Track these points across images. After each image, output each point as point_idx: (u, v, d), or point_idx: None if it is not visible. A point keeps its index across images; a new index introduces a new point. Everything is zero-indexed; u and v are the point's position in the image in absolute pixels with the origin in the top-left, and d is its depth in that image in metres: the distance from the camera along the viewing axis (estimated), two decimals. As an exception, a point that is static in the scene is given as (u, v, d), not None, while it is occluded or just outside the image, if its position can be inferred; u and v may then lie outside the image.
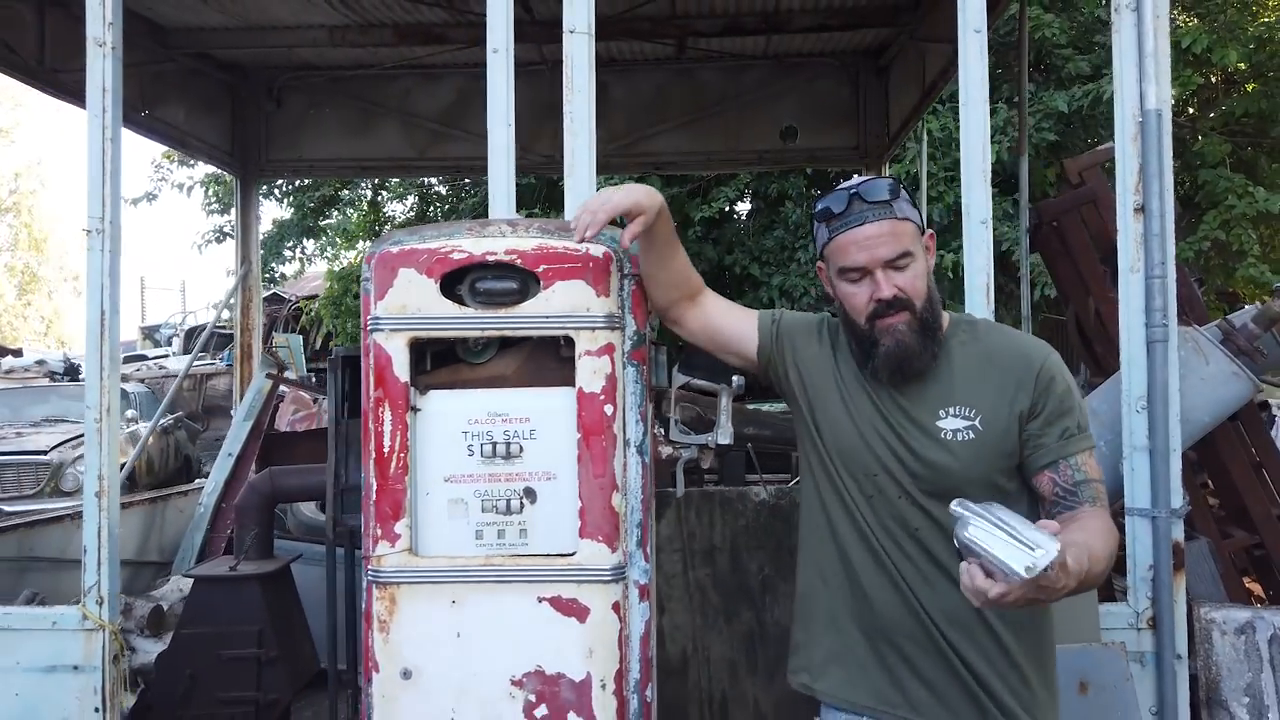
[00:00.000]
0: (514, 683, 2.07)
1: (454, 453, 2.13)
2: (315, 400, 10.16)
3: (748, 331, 2.05)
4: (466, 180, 13.49)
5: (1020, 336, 1.98)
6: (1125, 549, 2.87)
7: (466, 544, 2.11)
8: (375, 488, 2.10)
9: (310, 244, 15.13)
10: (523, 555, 2.10)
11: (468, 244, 2.10)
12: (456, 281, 2.12)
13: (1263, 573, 3.78)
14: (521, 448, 2.12)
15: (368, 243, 15.35)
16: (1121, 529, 2.88)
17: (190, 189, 13.04)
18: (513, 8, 2.92)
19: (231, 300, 7.45)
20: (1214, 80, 11.38)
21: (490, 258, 2.09)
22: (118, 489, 2.93)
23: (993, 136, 3.60)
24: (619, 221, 1.97)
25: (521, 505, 2.12)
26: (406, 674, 2.08)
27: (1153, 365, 2.81)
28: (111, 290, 2.87)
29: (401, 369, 2.10)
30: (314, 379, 12.42)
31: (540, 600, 2.07)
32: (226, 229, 13.22)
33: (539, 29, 5.52)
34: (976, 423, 1.79)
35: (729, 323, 2.08)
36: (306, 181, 13.30)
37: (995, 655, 1.77)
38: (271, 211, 16.60)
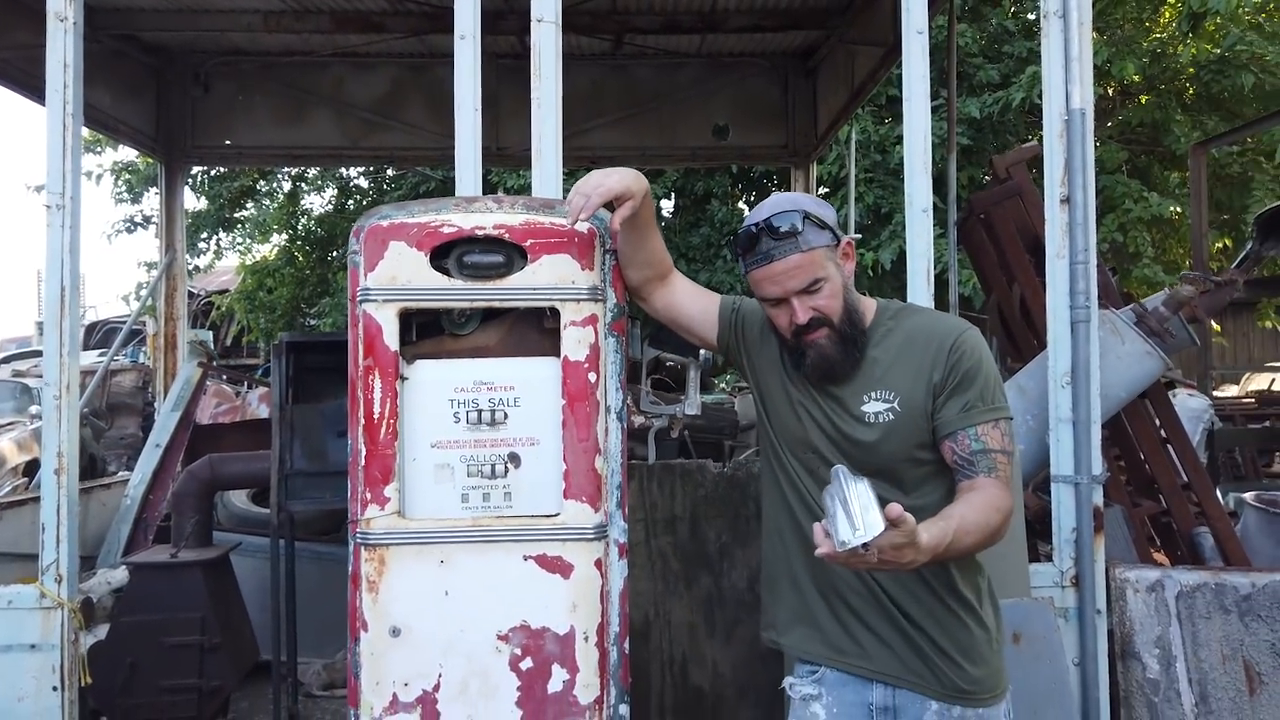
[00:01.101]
0: (500, 637, 2.16)
1: (440, 420, 2.21)
2: (238, 394, 9.96)
3: (709, 317, 2.19)
4: (389, 172, 13.34)
5: (940, 316, 2.11)
6: (1051, 513, 3.12)
7: (453, 507, 2.19)
8: (365, 453, 2.16)
9: (224, 236, 14.76)
10: (508, 517, 2.20)
11: (457, 218, 2.19)
12: (443, 255, 2.20)
13: (1166, 540, 4.10)
14: (506, 415, 2.21)
15: (284, 236, 15.05)
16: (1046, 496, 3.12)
17: (99, 177, 12.58)
18: (480, -5, 2.98)
19: (145, 291, 7.30)
20: (1111, 92, 12.04)
21: (480, 232, 2.18)
22: (76, 466, 2.91)
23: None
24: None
25: (506, 469, 2.21)
26: (395, 631, 2.15)
27: (1076, 344, 3.05)
28: (72, 266, 2.85)
29: (391, 338, 2.17)
30: (224, 376, 12.13)
31: (526, 558, 2.17)
32: (138, 219, 12.80)
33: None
34: (895, 404, 1.94)
35: (692, 307, 2.21)
36: (223, 171, 12.99)
37: (926, 598, 1.94)
38: (186, 202, 16.09)
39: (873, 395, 1.95)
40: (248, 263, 15.26)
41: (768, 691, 2.96)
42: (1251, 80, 10.42)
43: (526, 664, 2.16)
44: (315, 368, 4.11)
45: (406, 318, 2.20)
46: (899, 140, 10.33)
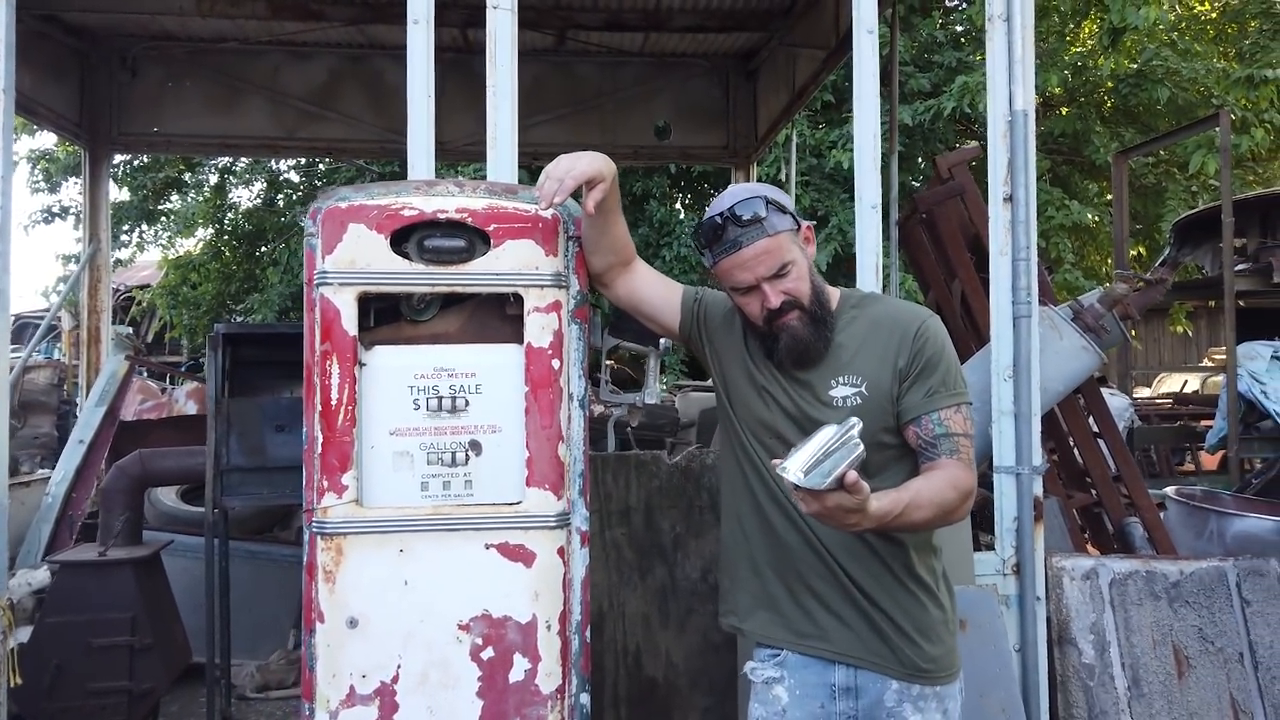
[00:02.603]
0: (461, 627, 2.13)
1: (399, 407, 2.17)
2: (164, 390, 9.65)
3: (671, 306, 2.20)
4: (322, 166, 13.05)
5: (903, 304, 2.17)
6: (994, 504, 3.20)
7: (412, 495, 2.16)
8: (321, 440, 2.11)
9: (147, 229, 14.26)
10: (469, 505, 2.17)
11: (418, 201, 2.15)
12: (403, 239, 2.17)
13: (1096, 531, 4.24)
14: (467, 402, 2.18)
15: (210, 230, 14.61)
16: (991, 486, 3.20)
17: (15, 165, 12.04)
18: (434, -20, 2.95)
19: (66, 285, 7.03)
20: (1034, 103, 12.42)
21: (442, 215, 2.15)
22: (6, 459, 2.78)
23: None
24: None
25: (467, 457, 2.18)
26: (353, 622, 2.11)
27: (1018, 338, 3.14)
28: (2, 247, 2.73)
29: (350, 323, 2.12)
30: (144, 372, 11.74)
31: (488, 547, 2.15)
32: (56, 209, 12.28)
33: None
34: (863, 388, 1.98)
35: (655, 295, 2.22)
36: (146, 161, 12.54)
37: (886, 579, 1.98)
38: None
39: (840, 380, 1.99)
40: (171, 257, 14.75)
41: (720, 681, 2.98)
42: (1167, 94, 10.86)
43: (488, 653, 2.13)
44: (252, 361, 4.02)
45: (365, 302, 2.16)
46: (834, 144, 10.50)
